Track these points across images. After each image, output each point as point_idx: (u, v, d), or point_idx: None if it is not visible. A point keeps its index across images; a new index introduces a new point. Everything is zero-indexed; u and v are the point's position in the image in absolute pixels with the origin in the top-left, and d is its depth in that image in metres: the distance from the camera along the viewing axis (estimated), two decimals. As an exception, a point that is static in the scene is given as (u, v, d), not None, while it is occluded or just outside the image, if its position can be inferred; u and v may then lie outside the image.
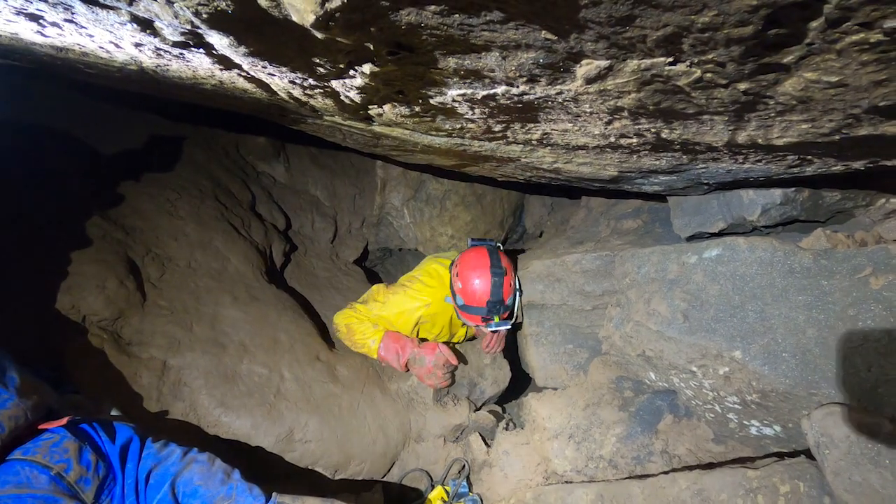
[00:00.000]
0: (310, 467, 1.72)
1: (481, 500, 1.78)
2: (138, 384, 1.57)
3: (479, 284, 1.83)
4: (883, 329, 1.03)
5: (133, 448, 1.22)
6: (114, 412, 1.41)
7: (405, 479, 1.86)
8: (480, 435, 1.96)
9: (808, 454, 1.10)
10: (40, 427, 1.11)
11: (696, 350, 1.33)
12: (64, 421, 1.13)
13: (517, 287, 1.94)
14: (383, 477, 1.87)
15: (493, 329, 1.92)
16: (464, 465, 1.88)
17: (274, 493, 1.27)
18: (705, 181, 1.42)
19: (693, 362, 1.35)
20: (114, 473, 1.15)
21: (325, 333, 2.15)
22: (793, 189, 1.41)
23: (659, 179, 1.47)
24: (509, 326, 1.94)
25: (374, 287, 2.10)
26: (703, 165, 1.22)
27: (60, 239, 1.69)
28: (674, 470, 1.39)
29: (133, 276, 1.76)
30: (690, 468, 1.33)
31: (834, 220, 1.50)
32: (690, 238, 1.72)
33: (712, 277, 1.36)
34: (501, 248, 2.03)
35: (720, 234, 1.62)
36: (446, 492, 1.78)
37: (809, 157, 1.01)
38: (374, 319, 1.97)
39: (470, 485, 1.84)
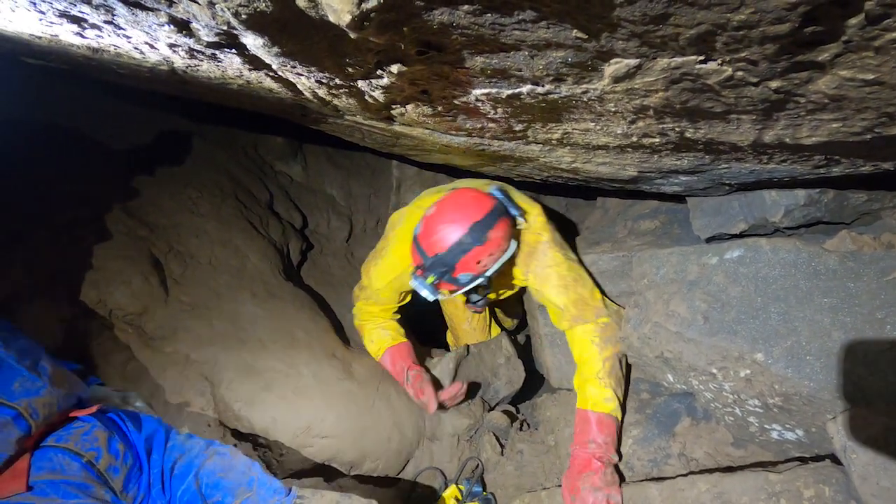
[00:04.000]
0: (326, 462, 1.74)
1: (495, 499, 1.78)
2: (161, 377, 1.61)
3: (441, 233, 1.42)
4: (912, 333, 1.01)
5: (158, 439, 1.25)
6: (138, 404, 1.44)
7: (419, 478, 1.87)
8: (494, 435, 1.96)
9: (832, 459, 1.08)
10: (71, 415, 1.14)
11: (717, 352, 1.32)
12: (93, 409, 1.16)
13: (486, 274, 1.47)
14: (398, 474, 1.88)
15: (415, 286, 1.50)
16: (478, 465, 1.89)
17: (293, 486, 1.29)
18: (727, 182, 1.41)
19: (713, 364, 1.34)
20: (140, 463, 1.18)
21: (340, 331, 2.17)
22: (817, 190, 1.39)
23: (679, 180, 1.46)
24: (433, 297, 1.50)
25: (364, 265, 1.88)
26: (726, 166, 1.21)
27: (88, 235, 1.74)
28: (692, 473, 1.38)
29: (157, 272, 1.81)
30: (710, 471, 1.32)
31: (859, 221, 1.47)
32: (710, 239, 1.70)
33: (734, 279, 1.35)
34: (510, 209, 1.54)
35: (741, 235, 1.60)
36: (460, 490, 1.79)
37: (837, 157, 1.00)
38: (373, 308, 1.83)
39: (484, 484, 1.85)
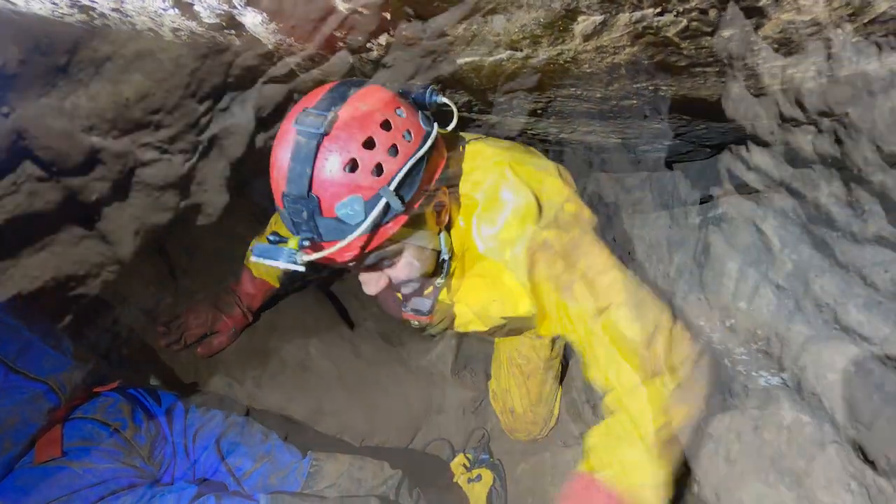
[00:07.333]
0: (338, 436, 1.82)
1: (501, 465, 1.86)
2: (176, 360, 1.69)
3: (274, 151, 0.80)
4: None
5: (178, 412, 1.33)
6: (154, 381, 1.52)
7: (428, 448, 1.95)
8: (499, 404, 2.03)
9: (813, 392, 1.15)
10: (95, 390, 1.22)
11: (702, 304, 1.39)
12: (115, 385, 1.24)
13: (391, 188, 0.78)
14: (407, 446, 1.96)
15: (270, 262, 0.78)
16: (484, 434, 1.97)
17: (309, 451, 1.36)
18: (707, 143, 1.47)
19: (700, 317, 1.41)
20: (164, 433, 1.26)
21: (346, 315, 2.25)
22: (793, 147, 1.45)
23: (663, 144, 1.52)
24: (301, 268, 0.78)
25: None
26: (704, 125, 1.28)
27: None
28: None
29: (165, 261, 1.88)
30: (701, 418, 1.39)
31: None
32: (696, 202, 1.77)
33: (716, 234, 1.42)
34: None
35: (726, 195, 1.66)
36: (468, 458, 1.87)
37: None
38: None
39: (490, 452, 1.92)
